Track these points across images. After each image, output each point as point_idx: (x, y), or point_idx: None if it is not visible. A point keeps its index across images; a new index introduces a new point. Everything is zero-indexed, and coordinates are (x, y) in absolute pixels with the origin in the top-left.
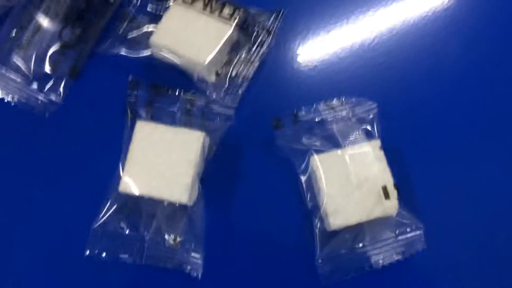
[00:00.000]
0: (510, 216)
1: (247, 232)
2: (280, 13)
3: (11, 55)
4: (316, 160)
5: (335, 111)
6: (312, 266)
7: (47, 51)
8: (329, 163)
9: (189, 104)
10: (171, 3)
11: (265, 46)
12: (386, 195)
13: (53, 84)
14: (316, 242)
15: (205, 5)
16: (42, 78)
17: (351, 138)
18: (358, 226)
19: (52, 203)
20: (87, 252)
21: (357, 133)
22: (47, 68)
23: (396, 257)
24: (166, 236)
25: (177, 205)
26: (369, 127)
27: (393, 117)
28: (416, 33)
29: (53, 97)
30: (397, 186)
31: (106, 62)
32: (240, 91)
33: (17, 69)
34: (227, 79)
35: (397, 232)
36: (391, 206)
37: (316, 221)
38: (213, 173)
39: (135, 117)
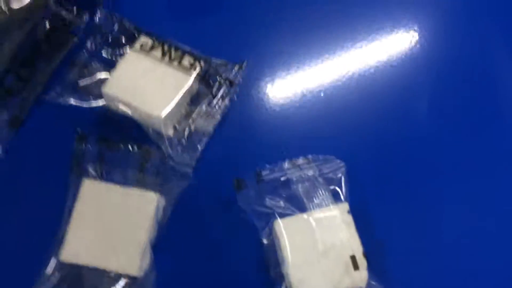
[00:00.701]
0: (482, 279)
1: None
2: (243, 64)
3: None
4: (280, 225)
5: (301, 170)
6: None
7: None
8: (293, 229)
9: (143, 160)
10: (127, 50)
11: (227, 99)
12: (355, 265)
13: None
14: None
15: (164, 54)
16: None
17: (317, 200)
18: None
19: None
20: None
21: (324, 194)
22: None
23: None
24: None
25: (125, 277)
26: (337, 188)
27: (361, 176)
28: (383, 89)
29: None
30: (366, 255)
31: (53, 111)
32: (199, 147)
33: None
34: (186, 134)
35: None
36: (361, 277)
37: None
38: (167, 238)
39: (82, 174)
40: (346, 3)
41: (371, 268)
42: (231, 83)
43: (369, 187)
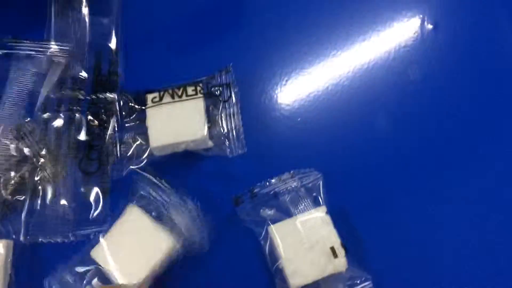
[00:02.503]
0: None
1: None
2: (228, 67)
3: None
4: (273, 230)
5: (286, 183)
6: None
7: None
8: (284, 231)
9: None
10: (145, 109)
11: (233, 96)
12: (335, 254)
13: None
14: None
15: (172, 96)
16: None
17: (301, 207)
18: (314, 284)
19: None
20: None
21: (306, 201)
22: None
23: None
24: None
25: None
26: (316, 195)
27: (337, 183)
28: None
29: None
30: (344, 244)
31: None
32: (242, 137)
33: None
34: (223, 135)
35: (348, 284)
36: (340, 263)
37: (279, 282)
38: None
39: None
40: None
41: (350, 256)
42: (228, 86)
43: (344, 191)
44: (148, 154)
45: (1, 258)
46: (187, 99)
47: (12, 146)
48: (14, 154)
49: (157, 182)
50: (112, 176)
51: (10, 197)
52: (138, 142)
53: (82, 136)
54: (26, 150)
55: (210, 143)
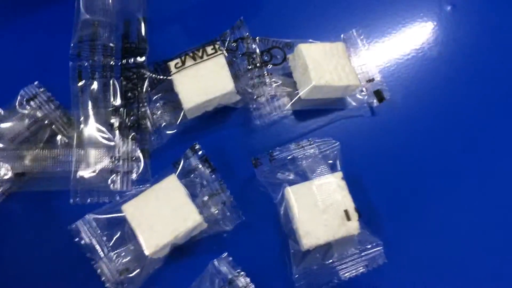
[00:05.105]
0: (459, 230)
1: (235, 252)
2: (240, 21)
3: None
4: (289, 191)
5: (304, 149)
6: (290, 281)
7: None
8: (299, 193)
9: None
10: (171, 77)
11: (251, 50)
12: (348, 217)
13: None
14: (292, 261)
15: (194, 58)
16: None
17: (317, 172)
18: (327, 245)
19: None
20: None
21: (323, 167)
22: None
23: (361, 270)
24: None
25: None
26: (333, 162)
27: (354, 152)
28: None
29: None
30: (358, 209)
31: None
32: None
33: None
34: (252, 88)
35: (360, 249)
36: (353, 226)
37: (292, 242)
38: None
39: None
40: None
41: (363, 221)
42: (242, 39)
43: (360, 161)
44: (181, 119)
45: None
46: (208, 58)
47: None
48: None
49: (202, 164)
50: (152, 142)
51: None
52: (169, 109)
53: (118, 101)
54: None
55: (238, 97)
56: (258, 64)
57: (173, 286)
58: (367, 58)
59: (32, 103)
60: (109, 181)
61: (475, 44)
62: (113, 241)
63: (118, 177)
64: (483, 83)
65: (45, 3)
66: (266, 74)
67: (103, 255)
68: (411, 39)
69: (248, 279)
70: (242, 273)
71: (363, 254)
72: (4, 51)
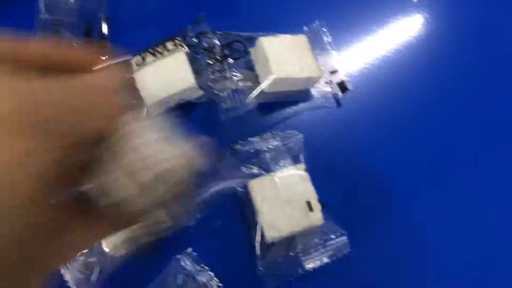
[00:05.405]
0: (422, 218)
1: (200, 247)
2: (199, 17)
3: None
4: (252, 185)
5: (267, 142)
6: (255, 274)
7: None
8: (262, 186)
9: None
10: (134, 71)
11: (211, 44)
12: (310, 208)
13: None
14: (257, 254)
15: (153, 55)
16: None
17: (281, 164)
18: (290, 237)
19: None
20: None
21: (286, 159)
22: None
23: (325, 260)
24: None
25: None
26: (296, 154)
27: (319, 144)
28: None
29: None
30: (321, 201)
31: None
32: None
33: None
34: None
35: (324, 239)
36: (316, 217)
37: (256, 235)
38: None
39: None
40: None
41: (326, 212)
42: (203, 34)
43: (325, 152)
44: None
45: None
46: (169, 54)
47: None
48: None
49: None
50: None
51: None
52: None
53: None
54: None
55: (200, 92)
56: (219, 58)
57: (137, 282)
58: (330, 50)
59: None
60: None
61: (440, 35)
62: None
63: None
64: (448, 72)
65: (6, 3)
66: (227, 69)
67: None
68: (376, 30)
69: (212, 273)
70: (206, 267)
71: (327, 244)
72: None
